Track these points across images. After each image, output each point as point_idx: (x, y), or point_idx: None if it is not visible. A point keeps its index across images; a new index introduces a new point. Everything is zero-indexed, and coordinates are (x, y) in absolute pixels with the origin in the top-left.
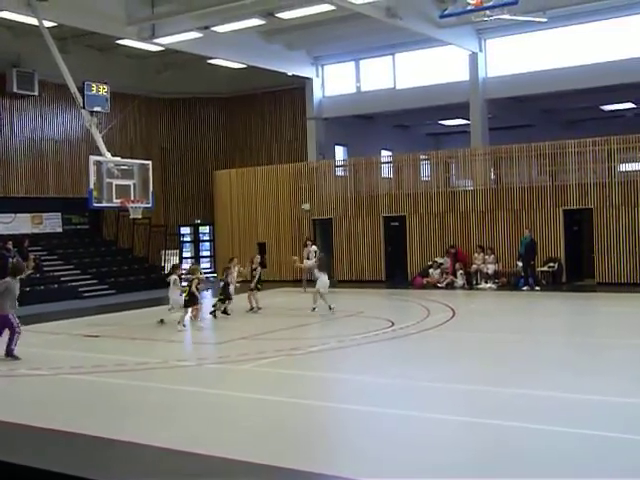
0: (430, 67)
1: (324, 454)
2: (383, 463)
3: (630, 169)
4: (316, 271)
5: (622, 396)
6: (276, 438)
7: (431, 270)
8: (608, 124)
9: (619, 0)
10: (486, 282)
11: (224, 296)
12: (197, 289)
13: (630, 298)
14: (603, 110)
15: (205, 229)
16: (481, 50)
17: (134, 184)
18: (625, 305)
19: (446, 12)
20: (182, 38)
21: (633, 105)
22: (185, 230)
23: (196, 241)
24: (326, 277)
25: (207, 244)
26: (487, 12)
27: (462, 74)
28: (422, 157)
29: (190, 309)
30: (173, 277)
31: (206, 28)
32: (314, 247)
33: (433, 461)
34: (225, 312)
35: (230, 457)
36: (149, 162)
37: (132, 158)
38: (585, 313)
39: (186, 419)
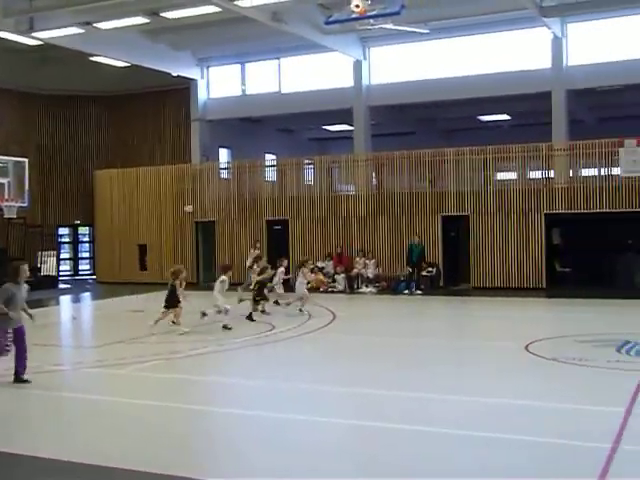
0: (315, 72)
1: (207, 459)
2: (260, 468)
3: (504, 178)
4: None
5: (487, 396)
6: (156, 445)
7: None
8: (485, 134)
9: (496, 16)
10: (367, 286)
11: (260, 297)
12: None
13: (502, 302)
14: (480, 120)
15: (85, 230)
16: (365, 58)
17: (8, 182)
18: (495, 309)
19: (331, 19)
20: (62, 33)
21: (508, 117)
22: (64, 231)
23: (75, 242)
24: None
25: (86, 245)
26: (371, 21)
27: (347, 80)
28: (306, 161)
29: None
30: (222, 277)
31: (87, 24)
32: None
33: (314, 466)
34: (264, 312)
35: (115, 466)
36: (25, 160)
37: (7, 155)
38: (460, 316)
39: (69, 427)
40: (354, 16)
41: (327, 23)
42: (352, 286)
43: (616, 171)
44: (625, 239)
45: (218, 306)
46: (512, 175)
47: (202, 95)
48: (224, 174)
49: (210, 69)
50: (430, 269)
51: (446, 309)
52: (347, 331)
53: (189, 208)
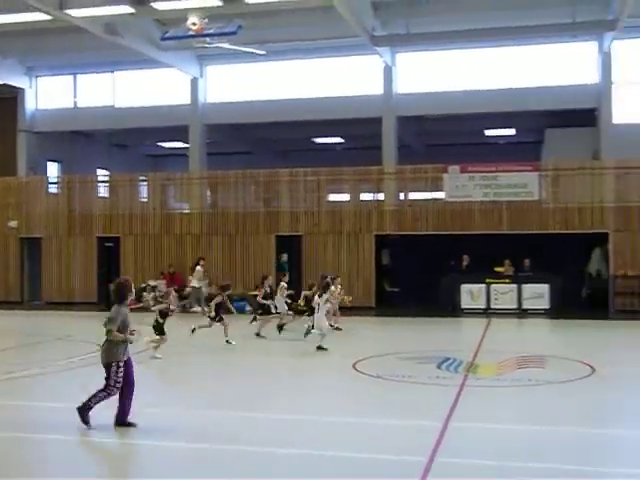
0: (152, 88)
1: None
2: None
3: (336, 199)
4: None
5: (309, 414)
6: None
7: (145, 293)
8: (319, 156)
9: (332, 42)
10: (199, 305)
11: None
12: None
13: None
14: (315, 142)
15: None
16: (202, 76)
17: None
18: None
19: (167, 35)
20: None
21: (342, 140)
22: None
23: None
24: None
25: None
26: (207, 39)
27: (183, 98)
28: (140, 178)
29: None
30: (282, 284)
31: None
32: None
33: None
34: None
35: None
36: None
37: None
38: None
39: None
40: (190, 33)
41: (163, 39)
42: (184, 305)
43: (441, 195)
44: (449, 260)
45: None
46: (344, 197)
47: (30, 105)
48: (53, 189)
49: (39, 79)
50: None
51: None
52: (176, 352)
53: (14, 223)
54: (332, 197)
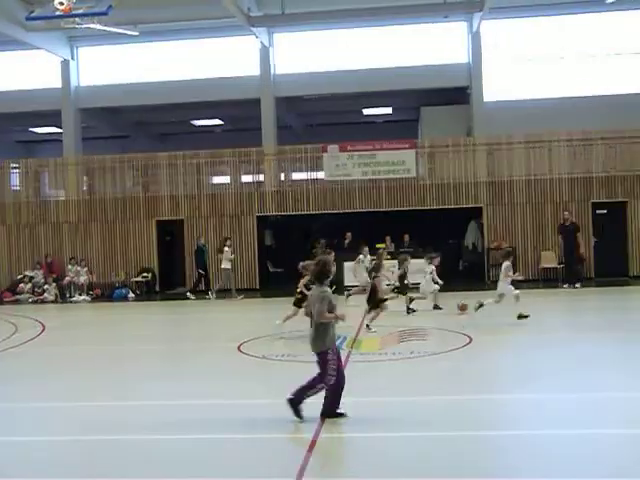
0: (21, 71)
1: None
2: None
3: (217, 182)
4: None
5: (193, 398)
6: None
7: (22, 284)
8: (199, 139)
9: (208, 22)
10: (80, 294)
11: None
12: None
13: (218, 304)
14: (194, 125)
15: None
16: (73, 58)
17: None
18: (211, 311)
19: (33, 15)
20: None
21: (221, 122)
22: None
23: None
24: None
25: None
26: (77, 20)
27: (54, 81)
28: (12, 165)
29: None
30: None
31: None
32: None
33: None
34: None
35: None
36: None
37: None
38: (178, 320)
39: None
40: (58, 14)
41: (28, 19)
42: (64, 295)
43: (321, 175)
44: (331, 239)
45: None
46: (225, 179)
47: None
48: None
49: None
50: (145, 274)
51: (163, 314)
52: (56, 342)
53: None
54: (213, 180)
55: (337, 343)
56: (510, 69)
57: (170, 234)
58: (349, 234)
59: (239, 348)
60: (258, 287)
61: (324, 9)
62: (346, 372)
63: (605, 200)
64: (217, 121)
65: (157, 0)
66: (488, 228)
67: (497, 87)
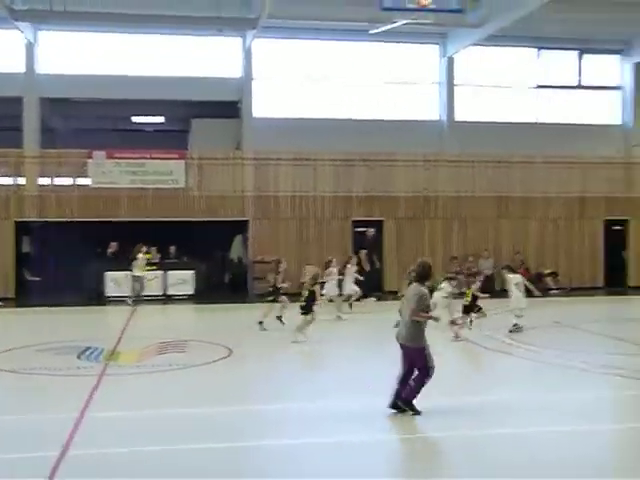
0: None
1: None
2: None
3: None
4: None
5: None
6: None
7: None
8: None
9: None
10: None
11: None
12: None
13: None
14: None
15: None
16: None
17: None
18: None
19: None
20: None
21: None
22: None
23: None
24: None
25: None
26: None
27: None
28: None
29: None
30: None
31: None
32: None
33: None
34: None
35: None
36: None
37: None
38: None
39: None
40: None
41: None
42: None
43: (87, 181)
44: (95, 247)
45: None
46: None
47: None
48: None
49: None
50: None
51: None
52: None
53: None
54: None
55: (93, 356)
56: (280, 87)
57: None
58: (113, 243)
59: None
60: (14, 296)
61: (96, 10)
62: (101, 386)
63: (364, 218)
64: None
65: None
66: (253, 241)
67: (267, 104)
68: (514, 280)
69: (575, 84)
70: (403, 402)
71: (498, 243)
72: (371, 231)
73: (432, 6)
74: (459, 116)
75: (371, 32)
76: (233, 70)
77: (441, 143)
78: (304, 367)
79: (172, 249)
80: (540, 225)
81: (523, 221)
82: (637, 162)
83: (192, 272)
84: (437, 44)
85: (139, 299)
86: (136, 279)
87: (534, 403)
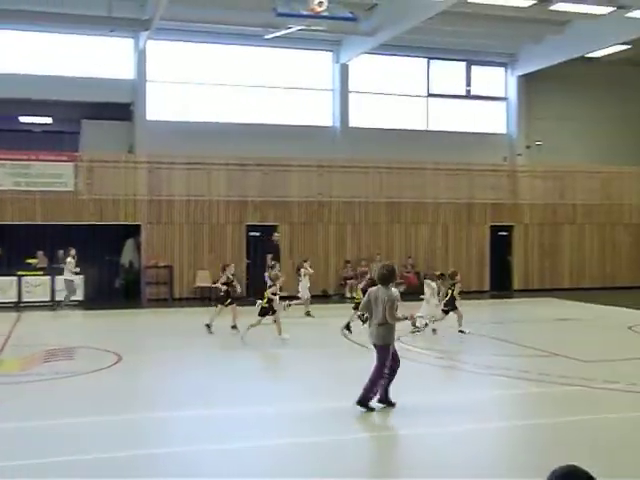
0: None
1: None
2: None
3: None
4: None
5: None
6: None
7: None
8: None
9: None
10: None
11: None
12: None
13: None
14: None
15: None
16: None
17: None
18: None
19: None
20: None
21: None
22: None
23: None
24: None
25: None
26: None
27: None
28: None
29: None
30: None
31: None
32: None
33: None
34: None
35: None
36: None
37: None
38: None
39: None
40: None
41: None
42: None
43: None
44: None
45: None
46: None
47: None
48: None
49: None
50: None
51: None
52: None
53: None
54: None
55: None
56: (174, 90)
57: None
58: None
59: None
60: None
61: None
62: None
63: (258, 223)
64: None
65: None
66: (146, 246)
67: (161, 106)
68: (431, 287)
69: (464, 94)
70: (360, 399)
71: (390, 247)
72: (277, 235)
73: (325, 13)
74: (353, 122)
75: (266, 37)
76: (126, 71)
77: (335, 149)
78: (195, 374)
79: (60, 254)
80: (430, 230)
81: (414, 226)
82: (521, 170)
83: (81, 277)
84: (331, 51)
85: (69, 303)
86: (68, 283)
87: (423, 405)
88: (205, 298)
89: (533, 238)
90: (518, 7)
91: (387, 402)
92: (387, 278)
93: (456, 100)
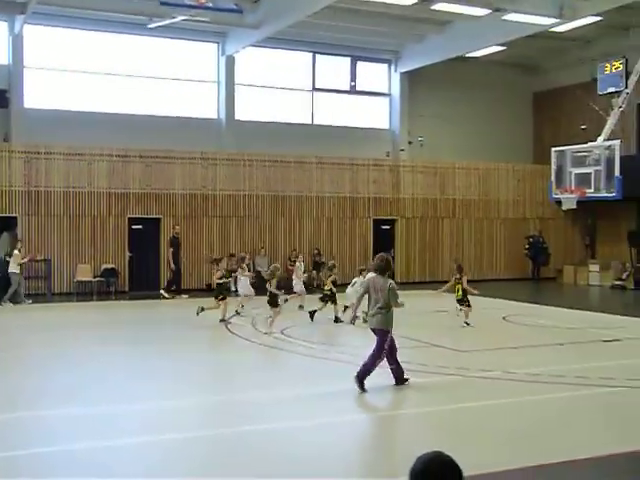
0: None
1: None
2: None
3: None
4: None
5: None
6: None
7: None
8: None
9: None
10: None
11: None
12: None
13: None
14: None
15: None
16: None
17: None
18: None
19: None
20: None
21: None
22: None
23: None
24: None
25: None
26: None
27: None
28: None
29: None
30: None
31: None
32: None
33: None
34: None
35: None
36: None
37: None
38: None
39: None
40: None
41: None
42: None
43: None
44: None
45: None
46: None
47: None
48: None
49: None
50: None
51: None
52: None
53: None
54: None
55: None
56: (55, 78)
57: None
58: None
59: None
60: None
61: None
62: None
63: (140, 216)
64: None
65: None
66: (24, 239)
67: (40, 94)
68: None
69: (349, 89)
70: (356, 378)
71: (275, 241)
72: (177, 228)
73: (210, 4)
74: (239, 115)
75: (149, 26)
76: (0, 56)
77: (220, 141)
78: (65, 368)
79: None
80: (315, 224)
81: (299, 220)
82: (403, 165)
83: None
84: (217, 43)
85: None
86: (14, 276)
87: (293, 397)
88: (87, 293)
89: (415, 231)
90: (401, 5)
91: (362, 386)
92: (384, 268)
93: (341, 95)
